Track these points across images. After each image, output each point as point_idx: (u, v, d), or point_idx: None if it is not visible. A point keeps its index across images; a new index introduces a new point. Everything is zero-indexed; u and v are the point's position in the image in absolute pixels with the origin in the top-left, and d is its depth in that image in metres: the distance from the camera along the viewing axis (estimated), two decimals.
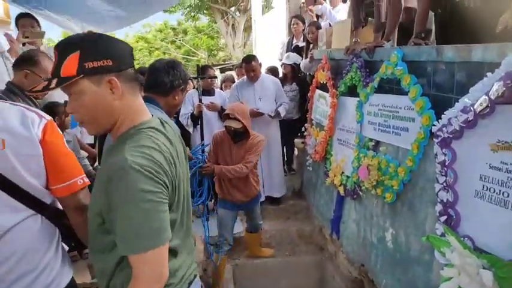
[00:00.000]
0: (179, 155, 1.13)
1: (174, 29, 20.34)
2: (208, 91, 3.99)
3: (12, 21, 3.50)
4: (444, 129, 1.66)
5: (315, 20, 4.71)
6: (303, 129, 4.10)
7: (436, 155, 1.73)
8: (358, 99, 2.71)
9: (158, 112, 1.65)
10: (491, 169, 1.45)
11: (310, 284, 3.52)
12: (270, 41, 8.34)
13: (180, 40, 19.77)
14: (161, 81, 1.73)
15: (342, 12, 4.52)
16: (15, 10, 3.89)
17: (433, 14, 2.40)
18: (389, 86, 2.37)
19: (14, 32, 3.16)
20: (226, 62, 14.22)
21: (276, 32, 7.74)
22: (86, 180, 1.24)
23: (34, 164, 1.14)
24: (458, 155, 1.62)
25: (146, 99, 1.30)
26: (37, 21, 3.19)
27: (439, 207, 1.71)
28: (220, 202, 3.10)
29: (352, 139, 2.85)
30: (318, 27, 4.29)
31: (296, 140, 4.83)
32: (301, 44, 4.82)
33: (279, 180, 4.25)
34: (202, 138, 3.62)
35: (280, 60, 4.99)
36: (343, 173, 3.00)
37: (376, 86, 2.47)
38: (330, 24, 4.32)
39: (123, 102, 1.02)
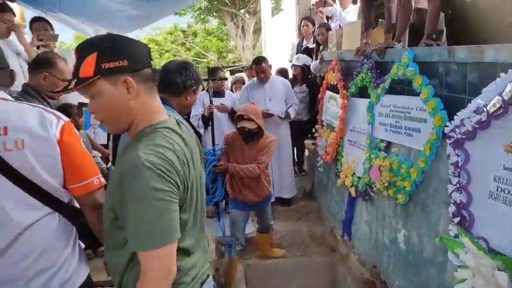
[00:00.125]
0: (194, 156, 1.14)
1: (184, 31, 20.50)
2: (218, 93, 4.03)
3: (27, 25, 3.59)
4: (457, 130, 1.66)
5: (325, 21, 4.71)
6: (313, 130, 4.11)
7: (448, 156, 1.73)
8: (369, 100, 2.71)
9: (171, 112, 1.69)
10: (505, 170, 1.44)
11: (322, 285, 3.52)
12: (279, 43, 8.36)
13: (190, 42, 19.92)
14: (173, 81, 1.76)
15: (352, 14, 4.51)
16: (30, 14, 3.98)
17: (443, 14, 2.39)
18: (401, 87, 2.37)
19: (28, 35, 3.24)
20: (236, 64, 14.29)
21: (285, 34, 7.75)
22: (102, 180, 1.27)
23: (52, 164, 1.18)
24: (471, 156, 1.61)
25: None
26: (50, 24, 3.27)
27: (452, 209, 1.70)
28: (232, 202, 3.13)
29: (363, 140, 2.85)
30: (328, 29, 4.30)
31: (306, 142, 4.84)
32: (311, 45, 4.83)
33: (290, 181, 4.26)
34: (213, 139, 3.66)
35: (290, 61, 5.01)
36: (354, 174, 3.00)
37: (387, 87, 2.47)
38: (339, 25, 4.32)
39: (139, 101, 1.04)
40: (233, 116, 4.05)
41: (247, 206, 3.08)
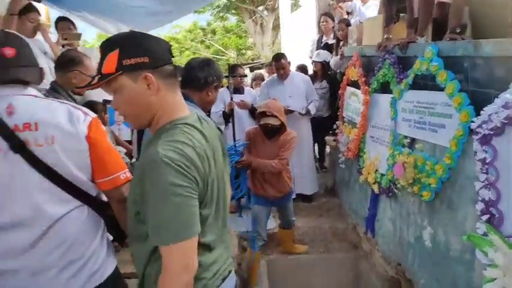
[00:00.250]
0: (215, 153, 1.14)
1: (203, 29, 20.65)
2: (238, 89, 4.06)
3: (52, 24, 3.71)
4: (484, 125, 1.62)
5: (345, 17, 4.66)
6: (334, 126, 4.08)
7: (475, 152, 1.69)
8: (391, 95, 2.68)
9: (193, 108, 1.72)
10: None
11: (344, 281, 3.50)
12: (298, 39, 8.32)
13: (209, 40, 20.05)
14: (195, 77, 1.79)
15: (372, 9, 4.43)
16: (55, 13, 4.09)
17: (467, 8, 2.33)
18: (424, 82, 2.33)
19: (54, 35, 3.34)
20: (255, 61, 14.29)
21: (304, 30, 7.71)
22: (129, 174, 1.30)
23: (80, 159, 1.22)
24: (499, 152, 1.57)
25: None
26: (73, 23, 3.36)
27: (480, 206, 1.67)
28: (254, 198, 3.16)
29: (386, 136, 2.82)
30: (348, 24, 4.25)
31: (328, 138, 4.81)
32: (331, 41, 4.79)
33: (311, 178, 4.25)
34: (234, 136, 3.69)
35: (310, 57, 4.98)
36: (377, 170, 2.97)
37: (410, 82, 2.43)
38: (359, 21, 4.26)
39: (160, 97, 1.05)
40: (253, 112, 4.09)
41: (268, 202, 3.11)
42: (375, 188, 2.99)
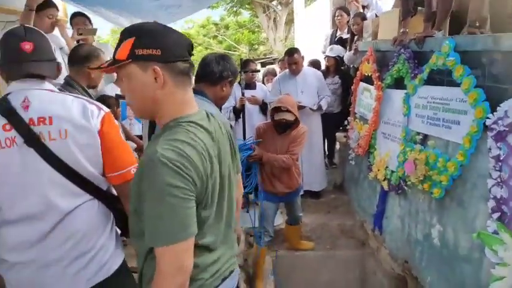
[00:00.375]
0: (221, 152, 1.11)
1: (216, 24, 20.64)
2: (249, 85, 4.03)
3: (68, 20, 3.75)
4: (499, 122, 1.58)
5: (361, 11, 4.59)
6: (345, 123, 4.04)
7: (489, 149, 1.66)
8: (405, 91, 2.64)
9: (206, 104, 1.70)
10: None
11: (351, 278, 3.49)
12: (312, 34, 8.24)
13: (221, 35, 20.05)
14: (210, 71, 1.79)
15: (388, 3, 4.37)
16: (71, 8, 4.14)
17: (488, 0, 2.27)
18: (440, 78, 2.28)
19: (70, 30, 3.37)
20: (267, 56, 14.24)
21: (318, 25, 7.63)
22: None
23: (92, 153, 1.23)
24: None
25: (195, 92, 1.32)
26: (89, 19, 3.39)
27: (491, 204, 1.64)
28: (262, 194, 3.15)
29: (398, 133, 2.78)
30: (364, 18, 4.19)
31: (338, 134, 4.77)
32: (345, 36, 4.73)
33: (320, 174, 4.22)
34: (244, 131, 3.68)
35: (324, 52, 4.93)
36: (387, 167, 2.94)
37: (425, 78, 2.39)
38: (376, 14, 4.20)
39: (166, 92, 1.03)
40: (264, 108, 4.07)
41: (277, 198, 3.10)
42: (385, 185, 2.96)
